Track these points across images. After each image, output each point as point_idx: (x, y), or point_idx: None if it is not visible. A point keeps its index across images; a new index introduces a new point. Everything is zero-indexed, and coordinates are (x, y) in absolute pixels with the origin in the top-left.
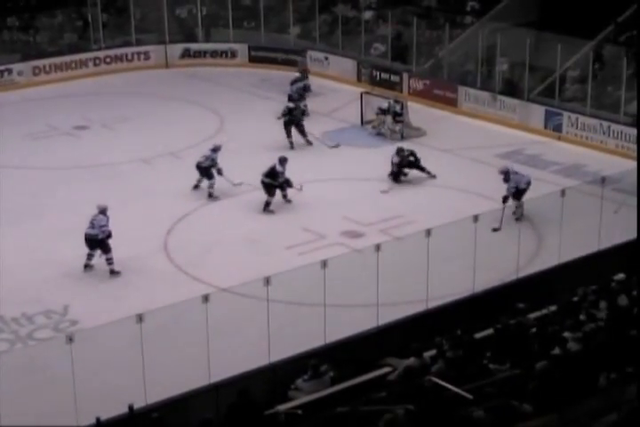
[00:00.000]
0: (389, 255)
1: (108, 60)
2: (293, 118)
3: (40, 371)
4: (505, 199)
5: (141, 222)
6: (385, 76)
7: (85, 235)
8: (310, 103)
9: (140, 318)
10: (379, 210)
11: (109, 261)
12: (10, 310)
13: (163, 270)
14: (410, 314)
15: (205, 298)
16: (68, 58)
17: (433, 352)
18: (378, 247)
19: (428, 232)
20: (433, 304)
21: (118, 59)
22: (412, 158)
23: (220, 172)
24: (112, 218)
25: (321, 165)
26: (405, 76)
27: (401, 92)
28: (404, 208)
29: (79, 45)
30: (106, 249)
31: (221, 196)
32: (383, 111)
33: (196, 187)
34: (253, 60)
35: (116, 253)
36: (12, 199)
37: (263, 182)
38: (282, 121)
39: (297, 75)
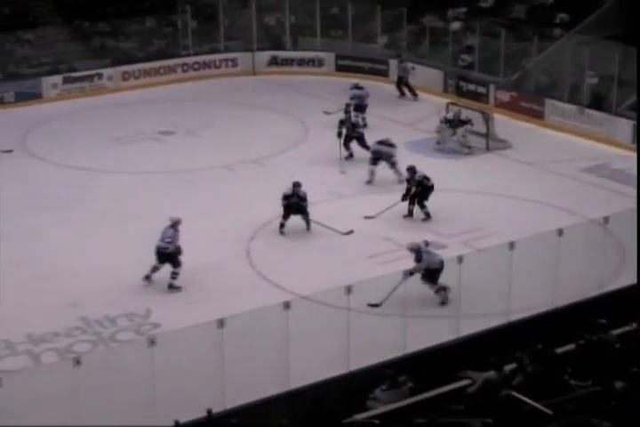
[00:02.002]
0: (471, 267)
1: (195, 66)
2: (342, 130)
3: (121, 373)
4: (410, 274)
5: (224, 228)
6: (471, 87)
7: (156, 247)
8: (395, 113)
9: (221, 322)
10: (460, 222)
11: (174, 276)
12: (93, 312)
13: (244, 276)
14: (491, 327)
15: (286, 305)
16: (156, 64)
17: (513, 366)
18: (460, 259)
19: (511, 245)
20: (514, 317)
21: (206, 65)
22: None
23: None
24: (195, 223)
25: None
26: (492, 87)
27: (487, 103)
28: (486, 220)
29: (168, 51)
30: (175, 263)
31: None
32: (448, 121)
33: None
34: (340, 68)
35: (199, 258)
36: (97, 202)
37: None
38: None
39: (354, 81)
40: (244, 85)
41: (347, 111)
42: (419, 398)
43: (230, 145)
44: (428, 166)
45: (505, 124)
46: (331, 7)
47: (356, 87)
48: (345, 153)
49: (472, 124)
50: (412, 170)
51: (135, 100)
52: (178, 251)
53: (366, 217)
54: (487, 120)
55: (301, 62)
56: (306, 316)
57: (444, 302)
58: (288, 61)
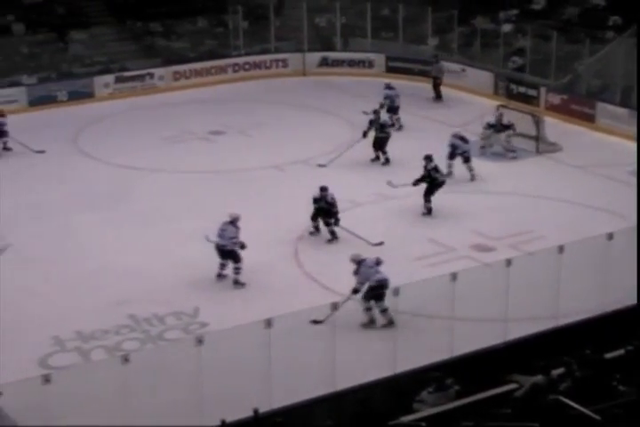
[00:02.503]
0: (519, 270)
1: (246, 66)
2: (369, 131)
3: (169, 371)
4: (354, 292)
5: (273, 228)
6: (522, 89)
7: (215, 244)
8: (445, 115)
9: (268, 322)
10: (509, 224)
11: (237, 271)
12: (142, 310)
13: (292, 277)
14: (538, 330)
15: (334, 306)
16: (207, 64)
17: (561, 371)
18: (509, 262)
19: (561, 248)
20: (563, 322)
21: (257, 66)
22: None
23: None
24: (243, 223)
25: (451, 178)
26: (543, 90)
27: (537, 106)
28: (535, 223)
29: (219, 52)
30: (236, 259)
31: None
32: (491, 126)
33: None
34: (390, 70)
35: (248, 258)
36: (148, 201)
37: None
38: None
39: (385, 82)
40: (294, 86)
41: (375, 111)
42: (465, 402)
43: (280, 145)
44: (478, 169)
45: (555, 127)
46: (382, 8)
47: (388, 87)
48: (373, 155)
49: (514, 130)
50: (428, 158)
51: (186, 99)
52: (242, 246)
53: (389, 184)
54: (537, 123)
55: (352, 63)
56: (353, 317)
57: (368, 324)
58: (338, 62)
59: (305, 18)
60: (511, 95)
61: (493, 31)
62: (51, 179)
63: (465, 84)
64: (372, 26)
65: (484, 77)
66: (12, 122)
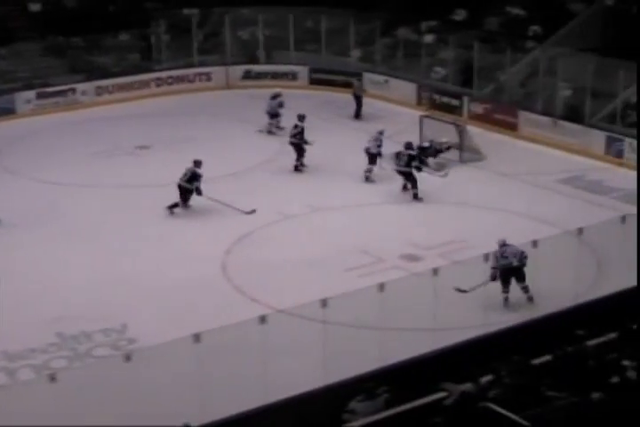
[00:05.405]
0: (447, 279)
1: (170, 80)
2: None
3: (98, 389)
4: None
5: (200, 242)
6: (445, 99)
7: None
8: (370, 125)
9: (197, 337)
10: (438, 234)
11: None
12: (69, 328)
13: (221, 291)
14: (467, 339)
15: (262, 319)
16: (130, 78)
17: (490, 378)
18: (435, 271)
19: (486, 257)
20: (491, 329)
21: (180, 80)
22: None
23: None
24: (172, 237)
25: (383, 188)
26: (466, 99)
27: (460, 115)
28: (464, 233)
29: (142, 66)
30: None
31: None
32: (422, 149)
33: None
34: (314, 82)
35: (177, 274)
36: (76, 218)
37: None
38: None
39: (276, 90)
40: (218, 99)
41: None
42: (395, 411)
43: (207, 159)
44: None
45: (479, 136)
46: (305, 20)
47: (273, 97)
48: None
49: (446, 150)
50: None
51: (110, 115)
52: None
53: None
54: (461, 132)
55: (275, 76)
56: (282, 330)
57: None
58: (262, 75)
59: (227, 31)
60: (434, 105)
61: (416, 42)
62: None
63: (389, 94)
64: (295, 38)
65: (407, 88)
66: None
